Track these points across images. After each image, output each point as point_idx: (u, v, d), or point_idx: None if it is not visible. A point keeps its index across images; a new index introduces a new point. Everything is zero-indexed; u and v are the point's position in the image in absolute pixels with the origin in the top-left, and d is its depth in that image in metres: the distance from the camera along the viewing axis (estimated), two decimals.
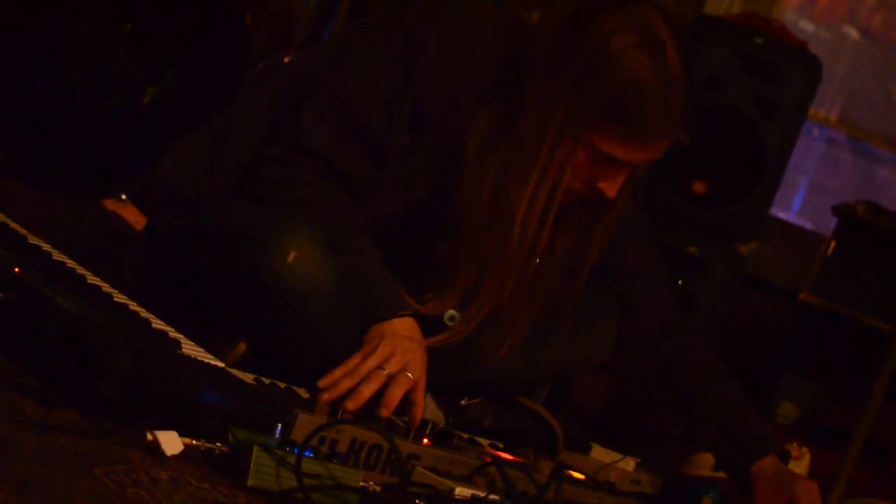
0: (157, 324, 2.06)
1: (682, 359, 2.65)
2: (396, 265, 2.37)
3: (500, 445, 2.37)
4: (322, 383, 2.15)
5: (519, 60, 2.36)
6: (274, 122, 2.47)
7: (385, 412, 2.16)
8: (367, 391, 2.16)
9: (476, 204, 2.36)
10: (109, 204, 3.16)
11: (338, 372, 2.17)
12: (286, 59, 2.65)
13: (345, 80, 2.42)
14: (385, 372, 2.19)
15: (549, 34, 2.36)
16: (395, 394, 2.18)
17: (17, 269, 2.02)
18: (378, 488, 1.86)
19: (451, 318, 2.42)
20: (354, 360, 2.20)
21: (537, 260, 2.41)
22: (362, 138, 2.39)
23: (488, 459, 2.10)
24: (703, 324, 2.83)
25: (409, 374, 2.20)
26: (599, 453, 2.70)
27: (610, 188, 2.37)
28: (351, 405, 2.14)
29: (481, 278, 2.40)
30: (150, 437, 1.73)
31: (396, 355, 2.21)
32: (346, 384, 2.16)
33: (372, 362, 2.19)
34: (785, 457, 2.54)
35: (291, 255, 2.28)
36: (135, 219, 3.03)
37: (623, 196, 2.45)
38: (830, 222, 4.99)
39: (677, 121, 2.32)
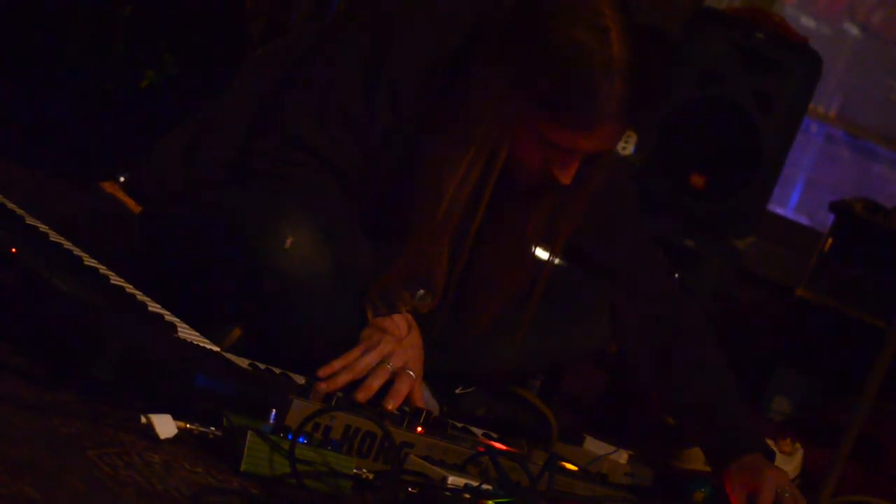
0: (153, 307, 2.05)
1: (678, 345, 2.63)
2: (388, 255, 2.37)
3: (494, 435, 2.37)
4: (322, 373, 2.16)
5: (476, 39, 2.36)
6: (258, 112, 2.47)
7: (392, 406, 2.18)
8: (376, 385, 2.20)
9: (418, 182, 2.36)
10: (107, 186, 3.16)
11: (337, 364, 2.18)
12: (263, 50, 2.64)
13: (324, 68, 2.42)
14: (389, 367, 2.21)
15: (502, 14, 2.34)
16: (402, 390, 2.22)
17: (14, 250, 2.01)
18: (371, 476, 1.86)
19: (421, 298, 2.41)
20: (354, 354, 2.21)
21: (472, 237, 2.40)
22: (347, 124, 2.38)
23: (482, 449, 2.10)
24: (699, 310, 2.79)
25: (411, 373, 2.22)
26: (592, 445, 2.70)
27: (563, 175, 2.35)
28: (362, 396, 2.17)
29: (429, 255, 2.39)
30: (143, 420, 1.73)
31: (398, 353, 2.23)
32: (344, 378, 2.17)
33: (373, 357, 2.21)
34: (769, 455, 2.54)
35: (289, 241, 2.28)
36: (132, 201, 3.03)
37: (592, 181, 2.42)
38: (827, 218, 4.99)
39: (616, 109, 2.27)
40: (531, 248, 2.49)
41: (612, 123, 2.29)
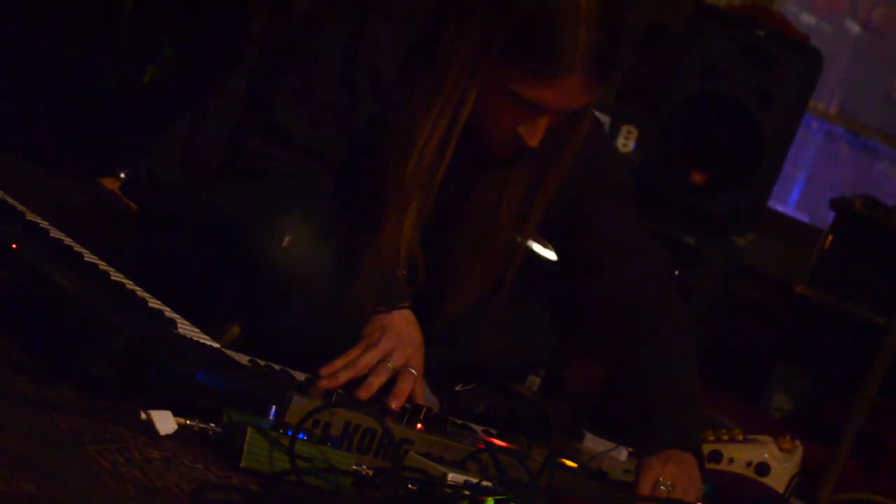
0: (153, 303, 2.05)
1: (637, 334, 2.53)
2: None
3: (494, 432, 2.37)
4: (324, 372, 2.16)
5: (447, 7, 2.34)
6: (248, 108, 2.47)
7: (396, 404, 2.18)
8: (378, 383, 2.19)
9: (389, 137, 2.34)
10: (108, 182, 3.16)
11: (338, 362, 2.18)
12: (261, 46, 2.65)
13: (306, 63, 2.42)
14: (390, 365, 2.21)
15: None
16: (405, 389, 2.21)
17: (14, 246, 2.01)
18: (371, 472, 1.86)
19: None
20: (355, 352, 2.21)
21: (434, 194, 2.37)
22: (334, 117, 2.38)
23: (482, 446, 2.10)
24: (676, 300, 2.63)
25: (413, 371, 2.22)
26: (593, 442, 2.70)
27: (531, 136, 2.31)
28: (363, 394, 2.17)
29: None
30: (143, 416, 1.73)
31: (398, 351, 2.23)
32: (346, 376, 2.17)
33: (374, 355, 2.21)
34: (698, 452, 2.42)
35: (286, 239, 2.28)
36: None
37: (565, 154, 2.40)
38: (828, 216, 4.99)
39: (582, 60, 2.24)
40: (505, 227, 2.47)
41: (578, 76, 2.25)
